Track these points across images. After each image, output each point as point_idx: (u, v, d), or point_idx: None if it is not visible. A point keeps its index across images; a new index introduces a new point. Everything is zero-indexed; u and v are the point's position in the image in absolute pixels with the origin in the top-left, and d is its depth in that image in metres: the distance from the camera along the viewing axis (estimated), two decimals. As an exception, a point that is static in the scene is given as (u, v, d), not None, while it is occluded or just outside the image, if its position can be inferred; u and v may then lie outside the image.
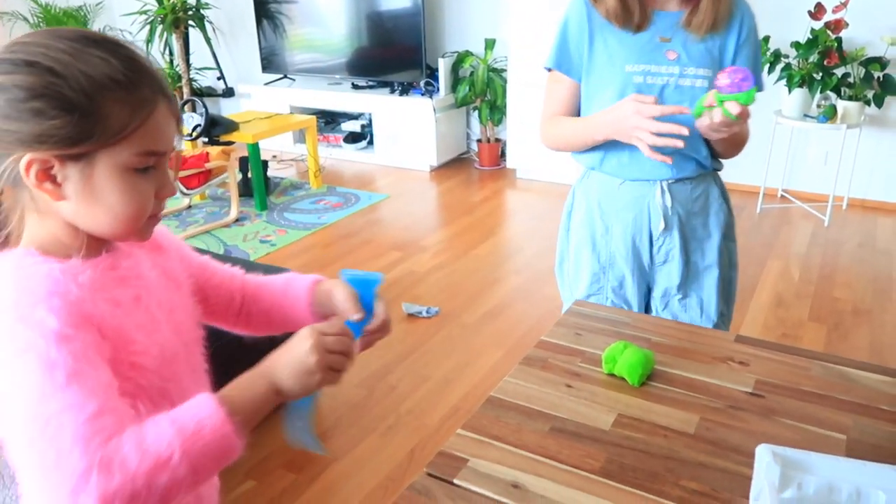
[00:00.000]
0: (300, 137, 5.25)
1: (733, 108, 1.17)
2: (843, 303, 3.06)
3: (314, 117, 4.68)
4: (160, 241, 0.89)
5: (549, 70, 1.46)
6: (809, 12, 3.70)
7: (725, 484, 0.86)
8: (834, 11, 3.66)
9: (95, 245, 0.77)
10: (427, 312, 2.97)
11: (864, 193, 4.15)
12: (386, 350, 2.66)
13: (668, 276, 1.47)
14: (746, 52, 1.37)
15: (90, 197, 0.72)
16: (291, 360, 0.73)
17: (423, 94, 4.91)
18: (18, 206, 0.75)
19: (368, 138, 5.32)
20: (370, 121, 5.24)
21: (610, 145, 1.38)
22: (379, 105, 5.06)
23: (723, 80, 1.19)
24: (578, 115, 1.46)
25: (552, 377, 1.09)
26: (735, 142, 1.40)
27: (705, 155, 1.41)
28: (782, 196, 4.30)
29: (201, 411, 0.67)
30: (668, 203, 1.41)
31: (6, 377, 0.64)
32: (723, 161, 1.48)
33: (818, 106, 3.83)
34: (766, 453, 0.80)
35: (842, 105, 3.74)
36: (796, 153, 4.27)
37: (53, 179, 0.70)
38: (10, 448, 0.64)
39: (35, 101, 0.67)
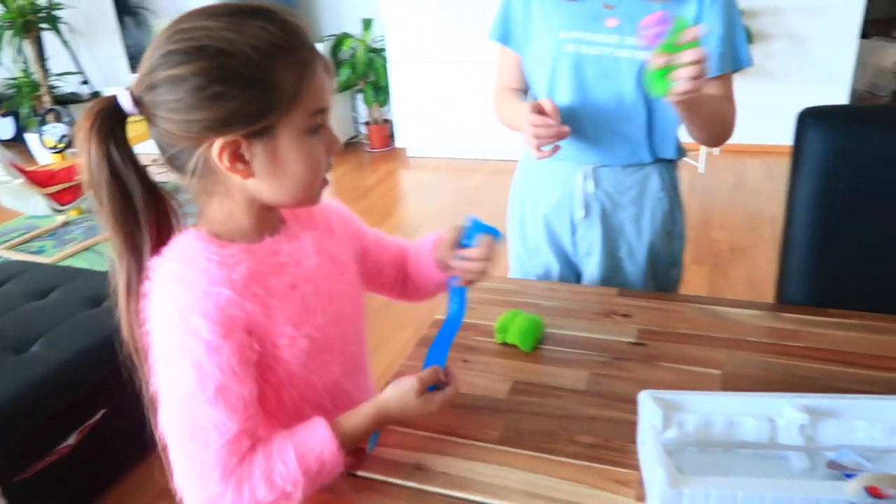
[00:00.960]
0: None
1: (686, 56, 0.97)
2: (721, 243, 3.27)
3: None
4: (332, 223, 0.93)
5: (499, 43, 1.37)
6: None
7: (616, 433, 0.90)
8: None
9: (264, 225, 0.82)
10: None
11: (733, 138, 4.42)
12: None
13: (590, 269, 1.39)
14: (713, 21, 1.18)
15: (277, 169, 0.75)
16: (401, 406, 0.86)
17: (303, 81, 4.79)
18: (202, 192, 0.78)
19: (253, 131, 5.15)
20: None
21: None
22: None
23: (647, 31, 0.99)
24: (525, 83, 1.39)
25: (450, 354, 1.10)
26: (710, 119, 1.24)
27: (651, 142, 1.27)
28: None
29: (324, 448, 0.77)
30: (590, 189, 1.32)
31: (169, 370, 0.74)
32: (680, 147, 1.35)
33: (683, 60, 4.03)
34: (648, 399, 0.85)
35: (704, 57, 3.95)
36: (669, 107, 4.48)
37: (242, 159, 0.73)
38: (164, 425, 0.75)
39: (215, 85, 0.68)
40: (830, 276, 1.22)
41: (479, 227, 0.95)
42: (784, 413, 0.84)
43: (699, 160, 4.20)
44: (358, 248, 0.99)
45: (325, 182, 0.81)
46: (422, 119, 4.66)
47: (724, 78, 1.26)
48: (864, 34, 4.66)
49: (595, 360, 1.06)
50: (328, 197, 0.90)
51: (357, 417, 0.83)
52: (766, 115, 4.31)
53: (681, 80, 0.98)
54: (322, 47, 4.75)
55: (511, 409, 0.96)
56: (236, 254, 0.78)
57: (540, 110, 1.18)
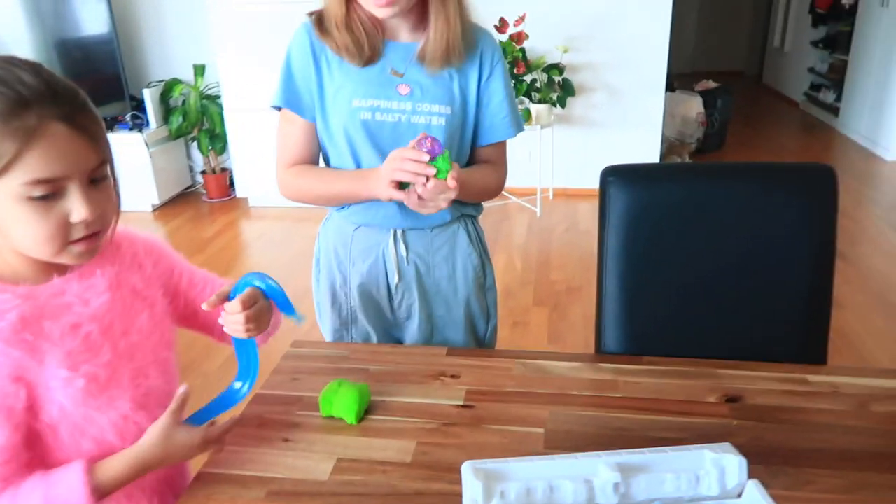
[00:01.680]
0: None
1: (449, 182, 1.11)
2: (559, 284, 3.42)
3: None
4: (140, 258, 0.96)
5: (279, 109, 1.29)
6: (495, 26, 4.09)
7: (441, 507, 0.87)
8: (515, 25, 4.08)
9: (51, 266, 0.83)
10: (163, 368, 2.71)
11: (565, 183, 4.71)
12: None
13: (411, 333, 1.38)
14: (494, 90, 1.27)
15: (1, 225, 0.78)
16: (163, 446, 0.87)
17: (131, 129, 4.50)
18: None
19: (74, 182, 4.74)
20: (73, 163, 4.67)
21: None
22: (80, 144, 4.52)
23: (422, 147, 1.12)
24: (317, 157, 1.32)
25: (269, 434, 1.03)
26: (477, 195, 1.33)
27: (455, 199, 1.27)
28: (501, 194, 4.70)
29: (72, 497, 0.79)
30: (403, 253, 1.31)
31: None
32: (480, 203, 1.40)
33: (516, 110, 4.24)
34: (468, 470, 0.83)
35: (534, 108, 4.19)
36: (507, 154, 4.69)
37: None
38: None
39: None
40: (642, 324, 1.29)
41: (245, 285, 0.98)
42: (599, 473, 0.85)
43: (536, 204, 4.41)
44: (169, 284, 1.01)
45: (84, 242, 0.82)
46: (263, 167, 4.52)
47: (500, 144, 1.36)
48: (670, 87, 5.18)
49: (422, 427, 1.04)
50: (145, 231, 0.98)
51: (116, 462, 0.85)
52: (593, 161, 4.64)
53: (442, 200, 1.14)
54: (150, 93, 4.50)
55: (333, 492, 0.91)
56: (9, 299, 0.80)
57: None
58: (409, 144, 1.13)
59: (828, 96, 6.83)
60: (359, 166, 1.27)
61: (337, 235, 1.35)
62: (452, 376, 1.17)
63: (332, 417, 1.06)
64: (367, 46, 1.21)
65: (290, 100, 1.27)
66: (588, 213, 4.41)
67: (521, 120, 1.36)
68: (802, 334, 1.27)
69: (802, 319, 1.27)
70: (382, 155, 1.23)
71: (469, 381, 1.15)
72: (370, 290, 1.35)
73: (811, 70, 7.37)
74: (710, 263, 1.27)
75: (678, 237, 1.27)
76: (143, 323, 0.93)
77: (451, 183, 1.11)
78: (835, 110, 6.58)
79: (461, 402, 1.10)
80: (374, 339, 1.39)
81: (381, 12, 1.17)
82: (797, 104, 7.68)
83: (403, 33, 1.25)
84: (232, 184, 4.85)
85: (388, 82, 1.23)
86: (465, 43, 1.23)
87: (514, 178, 5.07)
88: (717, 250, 1.26)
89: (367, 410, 1.07)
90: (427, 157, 1.11)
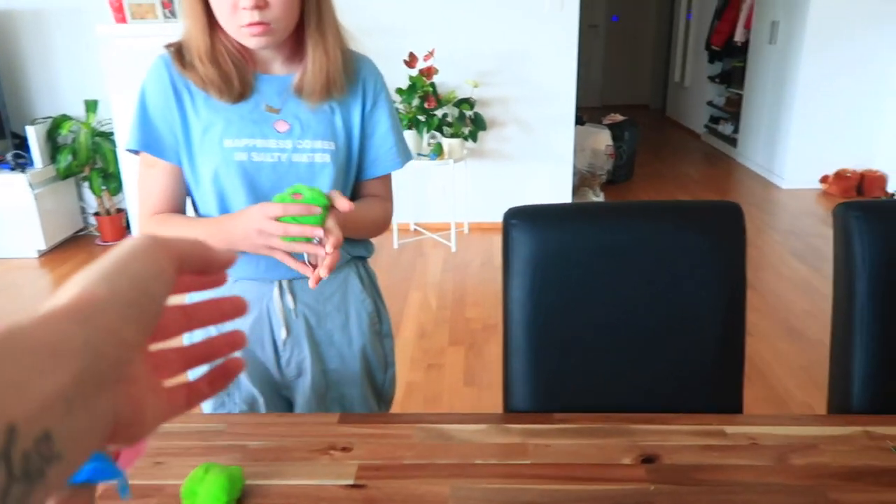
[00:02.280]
0: None
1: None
2: (475, 321, 3.33)
3: None
4: None
5: (136, 153, 1.14)
6: (405, 61, 4.03)
7: None
8: (424, 59, 4.03)
9: None
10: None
11: (480, 217, 4.67)
12: None
13: (303, 392, 1.25)
14: (379, 120, 1.20)
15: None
16: None
17: (12, 169, 4.15)
18: None
19: (-53, 228, 4.32)
20: (-55, 206, 4.26)
21: None
22: (-47, 187, 4.14)
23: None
24: (184, 204, 1.18)
25: (118, 537, 0.86)
26: (364, 232, 1.24)
27: (352, 243, 1.23)
28: (415, 230, 4.61)
29: None
30: (291, 305, 1.20)
31: None
32: (371, 243, 1.31)
33: (428, 145, 4.18)
34: (350, 579, 0.70)
35: (446, 143, 4.14)
36: (420, 188, 4.62)
37: None
38: None
39: None
40: (551, 376, 1.20)
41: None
42: (503, 567, 0.74)
43: (450, 240, 4.33)
44: None
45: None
46: (162, 207, 4.27)
47: (387, 177, 1.27)
48: (580, 121, 5.27)
49: (305, 516, 0.89)
50: None
51: None
52: (507, 194, 4.63)
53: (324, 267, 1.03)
54: (34, 130, 4.17)
55: None
56: None
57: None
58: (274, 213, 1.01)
59: (726, 128, 7.16)
60: (228, 213, 1.13)
61: (212, 290, 1.20)
62: (343, 449, 1.03)
63: (197, 511, 0.90)
64: (237, 81, 1.09)
65: (149, 142, 1.13)
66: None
67: (409, 150, 1.28)
68: (718, 375, 1.21)
69: (718, 360, 1.21)
70: (259, 200, 1.10)
71: (362, 454, 1.02)
72: (254, 349, 1.21)
73: (710, 104, 7.73)
74: (620, 308, 1.19)
75: (586, 281, 1.19)
76: None
77: (328, 246, 1.02)
78: (733, 141, 6.90)
79: (351, 482, 0.96)
80: (262, 403, 1.24)
81: (253, 42, 1.05)
82: (699, 136, 8.02)
83: (277, 65, 1.14)
84: (128, 226, 4.55)
85: (263, 119, 1.12)
86: (346, 73, 1.14)
87: (429, 213, 5.04)
88: (628, 294, 1.19)
89: (239, 499, 0.92)
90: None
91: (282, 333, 1.20)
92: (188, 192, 1.18)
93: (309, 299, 1.21)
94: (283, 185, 1.10)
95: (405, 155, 1.25)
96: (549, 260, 1.17)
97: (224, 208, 1.14)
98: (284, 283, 1.19)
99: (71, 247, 4.47)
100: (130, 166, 4.23)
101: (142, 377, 0.35)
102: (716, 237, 1.18)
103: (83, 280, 0.34)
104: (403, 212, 4.52)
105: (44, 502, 0.26)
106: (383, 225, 1.27)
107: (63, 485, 0.27)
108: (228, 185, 1.12)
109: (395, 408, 1.43)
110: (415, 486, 0.95)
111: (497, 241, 4.44)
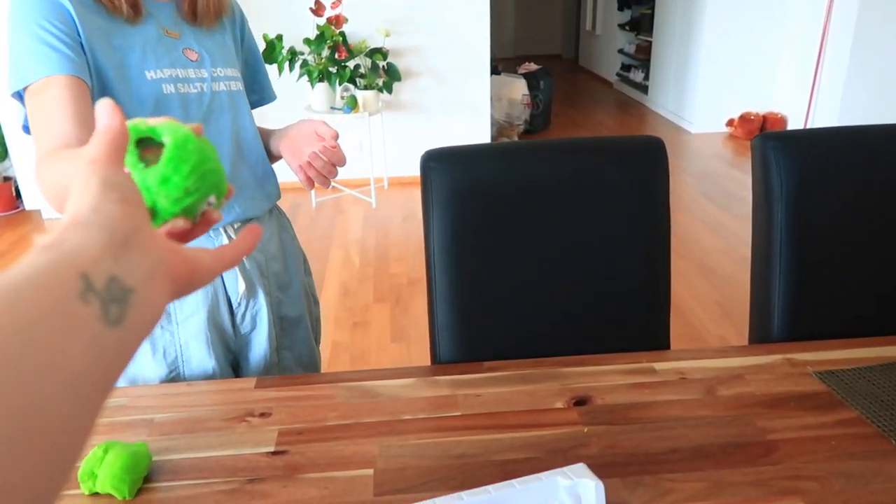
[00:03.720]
0: None
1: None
2: (399, 277, 3.28)
3: None
4: None
5: (32, 83, 0.91)
6: (311, 9, 3.84)
7: None
8: (332, 7, 3.85)
9: None
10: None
11: (400, 171, 4.57)
12: None
13: (258, 345, 1.18)
14: (253, 47, 1.18)
15: None
16: None
17: None
18: None
19: None
20: None
21: None
22: None
23: None
24: (85, 126, 0.92)
25: (6, 531, 0.77)
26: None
27: (272, 182, 1.17)
28: (333, 187, 4.47)
29: None
30: None
31: None
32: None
33: (341, 98, 4.03)
34: (272, 554, 0.64)
35: (360, 94, 4.00)
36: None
37: None
38: None
39: None
40: (478, 325, 1.16)
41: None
42: (437, 525, 0.70)
43: (370, 195, 4.23)
44: None
45: None
46: (55, 173, 3.96)
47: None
48: (495, 71, 5.21)
49: (220, 489, 0.82)
50: None
51: None
52: (425, 147, 4.54)
53: None
54: None
55: None
56: None
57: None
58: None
59: (637, 75, 7.28)
60: None
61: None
62: (262, 415, 0.96)
63: (97, 495, 0.81)
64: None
65: (48, 61, 0.90)
66: (424, 201, 4.32)
67: (271, 87, 1.27)
68: (645, 313, 1.20)
69: (644, 298, 1.20)
70: None
71: (283, 419, 0.95)
72: (208, 315, 1.11)
73: (621, 51, 7.83)
74: (545, 248, 1.16)
75: (509, 223, 1.14)
76: None
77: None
78: (644, 88, 7.02)
79: (272, 449, 0.89)
80: (217, 369, 1.14)
81: None
82: (611, 84, 8.13)
83: None
84: (18, 195, 4.20)
85: (172, 47, 1.02)
86: None
87: (346, 169, 4.91)
88: (552, 234, 1.16)
89: (145, 478, 0.84)
90: None
91: (240, 287, 1.12)
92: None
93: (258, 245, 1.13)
94: (212, 119, 1.04)
95: (272, 92, 1.26)
96: (469, 202, 1.11)
97: None
98: (231, 230, 1.09)
99: (-46, 220, 4.10)
100: (15, 131, 3.89)
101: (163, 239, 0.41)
102: (639, 172, 1.15)
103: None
104: (319, 169, 4.38)
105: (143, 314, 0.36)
106: None
107: (149, 305, 0.36)
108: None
109: (321, 369, 1.37)
110: (341, 447, 0.90)
111: (417, 194, 4.38)
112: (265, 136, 1.17)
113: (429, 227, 1.12)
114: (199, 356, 1.12)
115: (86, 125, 0.91)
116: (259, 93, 1.22)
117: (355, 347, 2.66)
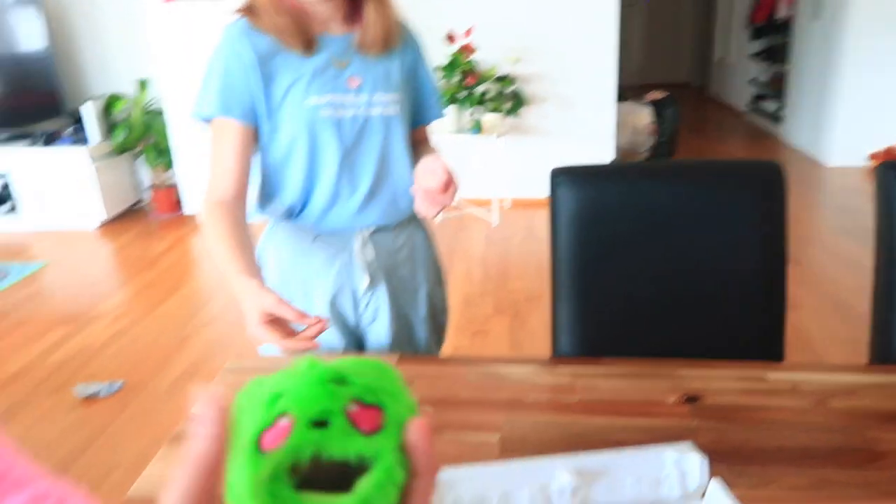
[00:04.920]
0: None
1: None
2: (519, 293, 3.40)
3: (-73, 185, 3.85)
4: None
5: (209, 121, 1.18)
6: (445, 37, 4.08)
7: (392, 523, 0.82)
8: (465, 36, 4.08)
9: None
10: (108, 390, 2.59)
11: (521, 193, 4.71)
12: (59, 444, 2.25)
13: (377, 335, 1.33)
14: (424, 70, 1.30)
15: None
16: None
17: (74, 143, 4.34)
18: None
19: (11, 201, 4.54)
20: (7, 183, 4.48)
21: (303, 189, 1.21)
22: (18, 161, 4.34)
23: None
24: (248, 178, 1.19)
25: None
26: None
27: (409, 199, 1.26)
28: (456, 205, 4.68)
29: None
30: (371, 256, 1.27)
31: None
32: None
33: (469, 120, 4.24)
34: (420, 482, 0.78)
35: (487, 118, 4.19)
36: (462, 164, 4.68)
37: None
38: None
39: None
40: (596, 326, 1.26)
41: None
42: (556, 477, 0.81)
43: (492, 215, 4.39)
44: None
45: None
46: (212, 182, 4.42)
47: (428, 126, 1.38)
48: (622, 96, 5.25)
49: (372, 439, 0.98)
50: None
51: None
52: (547, 168, 4.65)
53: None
54: (90, 107, 4.35)
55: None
56: None
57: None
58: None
59: (769, 106, 7.03)
60: (314, 171, 1.21)
61: (292, 246, 1.28)
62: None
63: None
64: (306, 30, 1.16)
65: (230, 104, 1.16)
66: (544, 222, 4.41)
67: (441, 106, 1.39)
68: (759, 331, 1.26)
69: (758, 316, 1.25)
70: (347, 155, 1.20)
71: (423, 388, 1.10)
72: (335, 299, 1.29)
73: (753, 81, 7.59)
74: (662, 263, 1.25)
75: (630, 237, 1.24)
76: None
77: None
78: (777, 119, 6.77)
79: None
80: (340, 345, 1.32)
81: None
82: (741, 114, 7.88)
83: (335, 26, 1.20)
84: (180, 200, 4.72)
85: (336, 75, 1.19)
86: (395, 26, 1.23)
87: (470, 188, 5.08)
88: (670, 249, 1.24)
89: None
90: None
91: (364, 282, 1.27)
92: (264, 165, 1.23)
93: (385, 248, 1.29)
94: (364, 142, 1.21)
95: (440, 110, 1.36)
96: (593, 216, 1.23)
97: (312, 166, 1.20)
98: (365, 235, 1.26)
99: (127, 219, 4.66)
100: (181, 143, 4.39)
101: None
102: (756, 195, 1.22)
103: None
104: (445, 187, 4.59)
105: None
106: None
107: None
108: (319, 141, 1.19)
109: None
110: (470, 416, 1.03)
111: (538, 215, 4.50)
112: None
113: (555, 233, 1.25)
114: (324, 334, 1.26)
115: (240, 182, 1.18)
116: (424, 113, 1.34)
117: (474, 354, 2.80)
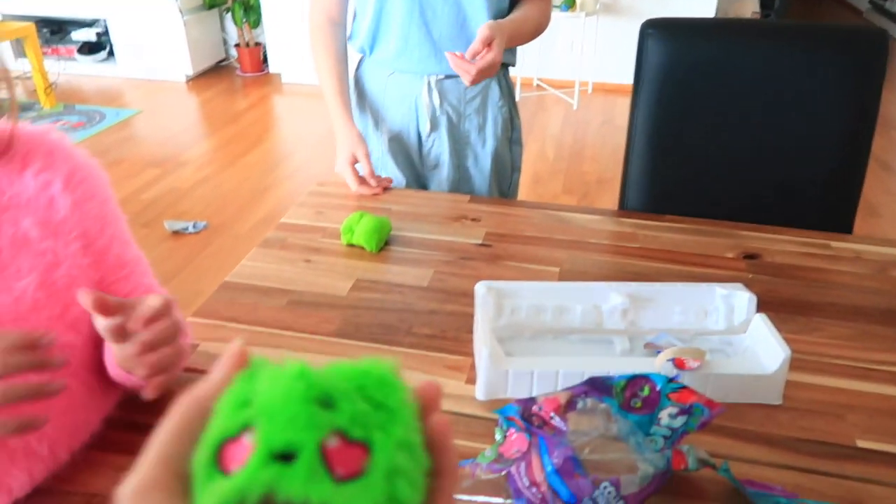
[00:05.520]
0: (20, 51, 4.50)
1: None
2: (590, 175, 3.38)
3: (32, 24, 4.02)
4: (57, 189, 0.66)
5: None
6: None
7: (453, 324, 0.90)
8: None
9: None
10: (193, 227, 2.79)
11: (605, 77, 4.55)
12: (151, 269, 2.48)
13: (438, 182, 1.38)
14: None
15: None
16: None
17: (165, -6, 4.41)
18: None
19: (108, 49, 4.72)
20: (107, 29, 4.63)
21: (381, 27, 1.25)
22: (114, 9, 4.46)
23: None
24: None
25: (291, 255, 1.06)
26: (524, 40, 1.26)
27: None
28: (537, 85, 4.58)
29: None
30: (437, 102, 1.29)
31: None
32: (515, 52, 1.33)
33: (561, -5, 4.06)
34: (482, 288, 0.86)
35: (580, -7, 4.00)
36: (546, 43, 4.53)
37: None
38: None
39: None
40: (666, 183, 1.28)
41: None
42: (609, 299, 0.87)
43: (573, 97, 4.29)
44: (91, 241, 0.70)
45: None
46: (296, 43, 4.44)
47: None
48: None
49: (440, 259, 1.06)
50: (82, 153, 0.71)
51: None
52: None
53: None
54: (185, -42, 4.38)
55: (351, 305, 0.94)
56: None
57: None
58: None
59: (894, 6, 6.40)
60: (383, 12, 1.23)
61: (372, 80, 1.35)
62: (473, 219, 1.18)
63: (352, 246, 1.08)
64: None
65: None
66: (625, 109, 4.29)
67: None
68: (831, 204, 1.25)
69: (833, 188, 1.24)
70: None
71: (488, 225, 1.16)
72: (402, 136, 1.35)
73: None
74: (743, 127, 1.23)
75: (714, 97, 1.23)
76: (24, 292, 0.61)
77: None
78: (900, 19, 6.18)
79: (479, 241, 1.11)
80: (402, 182, 1.39)
81: None
82: (861, 12, 7.22)
83: None
84: (265, 59, 4.78)
85: None
86: None
87: (553, 68, 4.93)
88: (753, 113, 1.22)
89: (387, 241, 1.09)
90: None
91: (426, 127, 1.33)
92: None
93: (453, 99, 1.30)
94: None
95: None
96: (679, 71, 1.21)
97: (381, 7, 1.23)
98: (433, 81, 1.28)
99: (213, 75, 4.78)
100: (271, 1, 4.39)
101: None
102: (855, 60, 1.17)
103: None
104: (527, 66, 4.47)
105: None
106: (541, 27, 1.29)
107: None
108: None
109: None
110: (534, 251, 1.09)
111: (621, 101, 4.37)
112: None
113: (638, 86, 1.24)
114: (392, 167, 1.37)
115: (335, 4, 1.28)
116: None
117: (538, 229, 2.85)
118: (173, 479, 0.24)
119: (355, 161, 1.26)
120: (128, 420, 0.74)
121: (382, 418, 0.24)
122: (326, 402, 0.24)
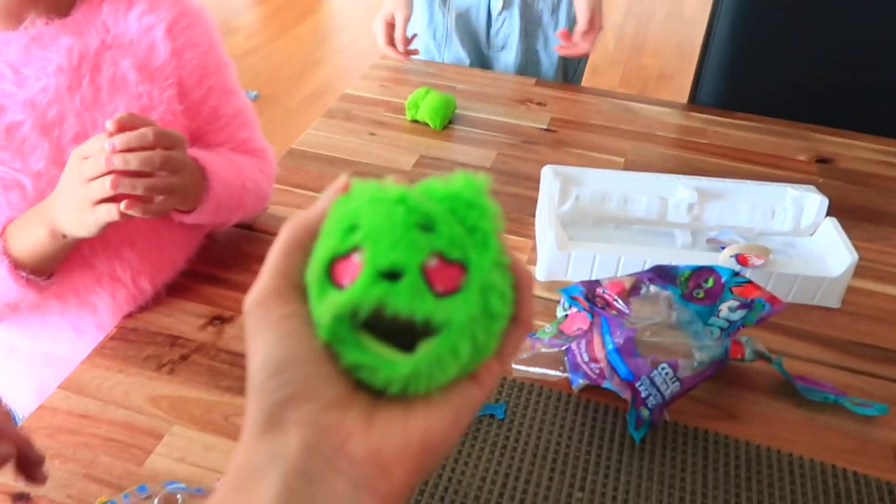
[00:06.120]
0: None
1: None
2: (650, 69, 3.24)
3: None
4: (159, 34, 0.67)
5: None
6: None
7: (516, 206, 0.91)
8: None
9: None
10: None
11: (676, -37, 4.26)
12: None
13: (505, 64, 1.34)
14: None
15: None
16: (63, 193, 0.58)
17: None
18: None
19: None
20: None
21: None
22: None
23: None
24: None
25: (355, 127, 1.07)
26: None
27: None
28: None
29: None
30: None
31: None
32: None
33: None
34: (549, 172, 0.85)
35: None
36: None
37: None
38: None
39: None
40: (744, 80, 1.22)
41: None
42: (676, 192, 0.86)
43: (639, -18, 4.05)
44: (188, 90, 0.71)
45: None
46: None
47: None
48: None
49: (504, 141, 1.05)
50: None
51: (25, 217, 0.62)
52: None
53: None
54: None
55: (414, 180, 0.95)
56: None
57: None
58: None
59: None
60: None
61: None
62: (539, 104, 1.16)
63: (416, 122, 1.08)
64: None
65: None
66: (695, 2, 4.04)
67: None
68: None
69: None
70: None
71: (554, 110, 1.14)
72: (470, 13, 1.30)
73: None
74: (831, 33, 1.16)
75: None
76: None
77: None
78: None
79: (545, 126, 1.10)
80: (467, 62, 1.35)
81: None
82: None
83: None
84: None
85: None
86: None
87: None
88: (845, 18, 1.15)
89: (451, 120, 1.08)
90: None
91: (499, 4, 1.28)
92: None
93: None
94: None
95: None
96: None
97: None
98: None
99: (264, -62, 4.60)
100: None
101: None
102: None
103: None
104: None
105: None
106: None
107: None
108: None
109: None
110: (599, 139, 1.07)
111: (688, -8, 4.10)
112: None
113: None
114: (455, 48, 1.33)
115: None
116: None
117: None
118: (289, 287, 0.26)
119: (393, 21, 1.21)
120: (210, 273, 0.77)
121: (476, 240, 0.26)
122: (426, 225, 0.25)
